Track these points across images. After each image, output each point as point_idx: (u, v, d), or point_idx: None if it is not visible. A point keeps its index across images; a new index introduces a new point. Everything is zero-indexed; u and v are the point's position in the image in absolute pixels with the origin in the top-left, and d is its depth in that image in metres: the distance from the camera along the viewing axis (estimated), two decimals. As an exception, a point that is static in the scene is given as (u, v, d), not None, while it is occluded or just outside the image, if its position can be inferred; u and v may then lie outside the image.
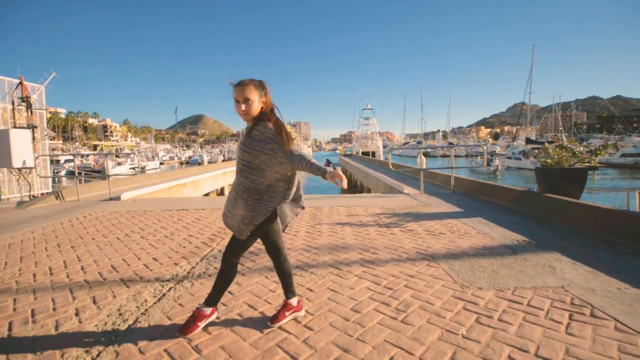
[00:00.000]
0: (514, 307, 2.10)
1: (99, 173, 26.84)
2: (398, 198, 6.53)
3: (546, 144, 5.59)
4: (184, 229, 4.38)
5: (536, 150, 38.65)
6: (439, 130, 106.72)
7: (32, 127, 7.53)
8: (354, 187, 21.78)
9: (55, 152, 43.69)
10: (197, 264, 3.02)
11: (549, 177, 5.05)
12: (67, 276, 2.82)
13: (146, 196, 8.01)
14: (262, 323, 1.96)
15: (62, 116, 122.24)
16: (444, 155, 62.59)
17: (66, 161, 38.50)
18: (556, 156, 5.12)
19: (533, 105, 53.72)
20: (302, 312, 2.04)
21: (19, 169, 7.24)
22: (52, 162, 37.19)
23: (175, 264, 3.02)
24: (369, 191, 14.51)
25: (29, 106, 7.50)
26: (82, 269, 2.98)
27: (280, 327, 1.91)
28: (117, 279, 2.70)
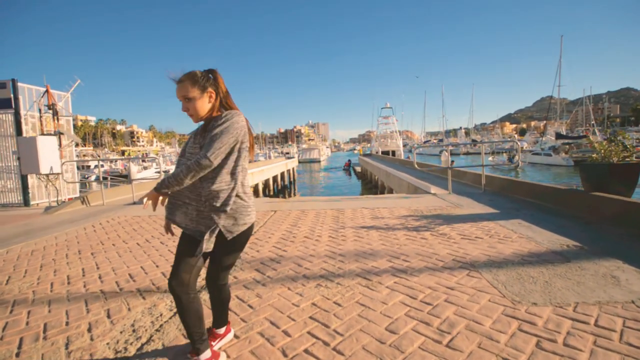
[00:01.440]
0: (580, 327, 1.78)
1: (126, 177, 27.81)
2: (425, 199, 6.18)
3: (590, 137, 5.09)
4: (203, 234, 4.26)
5: (567, 146, 36.80)
6: (461, 128, 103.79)
7: (58, 133, 7.71)
8: (375, 187, 21.34)
9: (84, 158, 45.65)
10: (216, 272, 2.85)
11: (596, 173, 4.57)
12: (84, 286, 2.72)
13: (168, 200, 8.03)
14: (285, 344, 1.74)
15: (92, 124, 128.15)
16: (467, 153, 60.67)
17: (96, 166, 40.13)
18: (603, 150, 4.64)
19: (562, 99, 51.11)
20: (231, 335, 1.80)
21: (47, 175, 7.41)
22: (82, 167, 38.95)
23: (194, 272, 2.87)
24: (391, 191, 14.10)
25: (55, 113, 7.68)
26: (100, 277, 2.88)
27: (305, 350, 1.68)
28: (133, 289, 2.57)
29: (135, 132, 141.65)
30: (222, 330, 1.75)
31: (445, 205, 5.42)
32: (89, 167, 40.10)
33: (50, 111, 7.63)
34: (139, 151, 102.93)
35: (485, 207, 5.09)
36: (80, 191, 9.62)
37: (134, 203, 7.17)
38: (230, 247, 1.57)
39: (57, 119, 7.80)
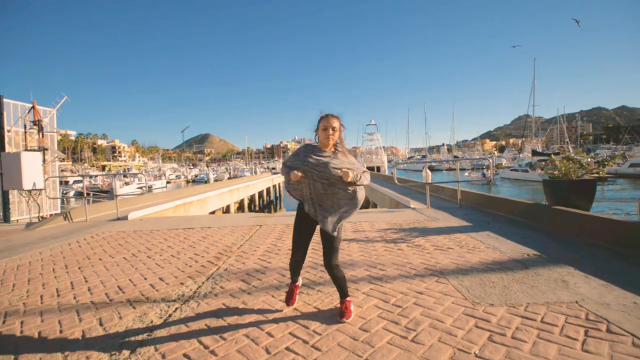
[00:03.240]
0: (527, 323, 2.04)
1: (107, 193, 27.14)
2: (404, 213, 6.48)
3: (552, 156, 5.55)
4: (190, 247, 4.38)
5: (543, 162, 38.42)
6: (443, 144, 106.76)
7: (43, 149, 7.70)
8: (360, 203, 21.72)
9: (64, 173, 44.44)
10: (203, 283, 3.00)
11: (557, 189, 4.99)
12: (74, 297, 2.82)
13: (153, 215, 8.06)
14: (269, 343, 1.93)
15: (72, 138, 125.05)
16: (450, 169, 62.33)
17: (75, 182, 39.06)
18: (563, 168, 5.08)
19: (537, 117, 53.64)
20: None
21: (29, 191, 7.36)
22: (61, 183, 37.85)
23: (182, 283, 3.01)
24: (374, 206, 14.43)
25: (40, 129, 7.70)
26: (89, 290, 2.98)
27: (287, 348, 1.87)
28: (123, 300, 2.69)
29: (117, 147, 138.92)
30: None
31: (423, 218, 5.73)
32: (67, 182, 39.03)
33: (36, 127, 7.64)
34: (120, 166, 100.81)
35: (459, 221, 5.42)
36: (61, 207, 9.50)
37: (118, 219, 7.18)
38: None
39: (42, 135, 7.80)
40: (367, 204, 18.65)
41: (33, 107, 7.58)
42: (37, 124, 7.59)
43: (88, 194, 8.09)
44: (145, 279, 3.20)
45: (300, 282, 2.53)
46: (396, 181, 7.55)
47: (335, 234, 2.18)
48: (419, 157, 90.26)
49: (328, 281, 2.88)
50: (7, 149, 7.59)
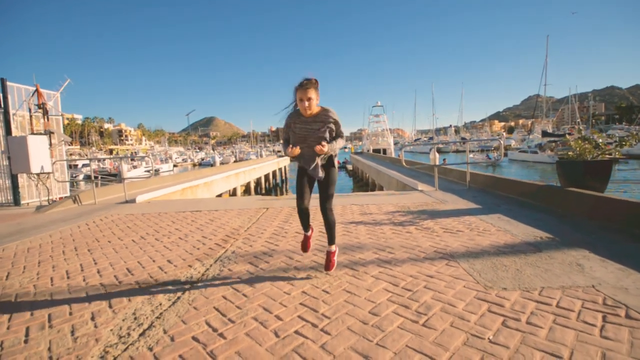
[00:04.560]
0: (543, 308, 1.99)
1: (115, 177, 27.33)
2: (412, 195, 6.40)
3: (567, 136, 5.36)
4: (197, 230, 4.38)
5: (553, 144, 37.65)
6: (450, 126, 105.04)
7: (49, 133, 7.70)
8: (366, 185, 21.62)
9: (73, 157, 44.88)
10: (210, 265, 2.99)
11: (571, 170, 4.84)
12: (84, 279, 2.83)
13: (160, 198, 8.10)
14: (277, 327, 1.91)
15: (79, 122, 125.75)
16: (457, 151, 61.56)
17: (84, 165, 39.45)
18: (578, 148, 4.91)
19: (548, 97, 52.17)
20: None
21: (37, 174, 7.41)
22: (70, 166, 38.31)
23: (190, 266, 3.00)
24: (381, 189, 14.35)
25: (45, 113, 7.67)
26: (99, 272, 2.99)
27: (296, 332, 1.85)
28: (132, 282, 2.70)
29: (123, 131, 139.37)
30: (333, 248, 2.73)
31: (431, 201, 5.65)
32: (76, 166, 39.42)
33: (41, 110, 7.61)
34: (127, 150, 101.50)
35: (469, 203, 5.33)
36: (71, 190, 9.59)
37: (126, 202, 7.22)
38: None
39: (47, 118, 7.77)
40: (373, 186, 18.57)
41: (37, 90, 7.52)
42: (42, 107, 7.54)
43: (96, 177, 8.14)
44: (153, 261, 3.21)
45: (311, 231, 2.87)
46: (404, 164, 7.42)
47: (321, 175, 2.57)
48: (425, 138, 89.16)
49: (337, 263, 2.85)
50: (14, 133, 7.60)
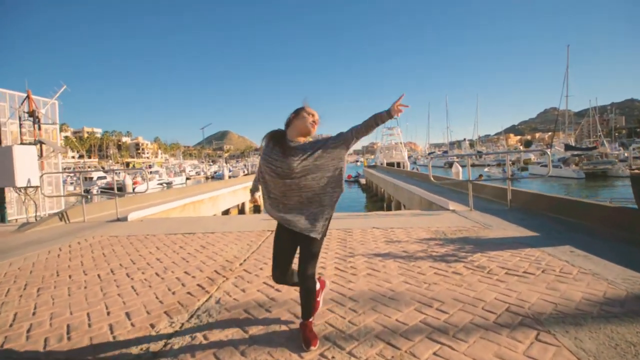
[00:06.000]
0: None
1: (133, 191, 26.68)
2: (444, 217, 5.40)
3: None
4: (182, 261, 3.51)
5: (577, 157, 35.76)
6: (464, 139, 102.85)
7: (38, 142, 7.08)
8: (381, 200, 20.52)
9: (87, 169, 45.32)
10: (181, 325, 2.09)
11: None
12: (4, 341, 1.98)
13: (156, 216, 7.31)
14: None
15: (98, 135, 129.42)
16: (473, 165, 59.37)
17: (99, 178, 39.59)
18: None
19: (564, 111, 50.03)
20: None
21: (24, 188, 6.75)
22: (85, 179, 38.50)
23: (152, 325, 2.11)
24: (399, 205, 13.29)
25: (36, 121, 7.07)
26: (28, 330, 2.13)
27: None
28: (61, 353, 1.82)
29: (140, 144, 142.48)
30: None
31: (470, 225, 4.64)
32: (91, 178, 39.54)
33: (31, 119, 7.02)
34: (143, 163, 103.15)
35: (520, 229, 4.30)
36: (65, 206, 8.96)
37: (117, 219, 6.46)
38: None
39: (39, 127, 7.18)
40: (389, 202, 17.48)
41: (28, 97, 6.95)
42: (32, 114, 6.95)
43: (86, 192, 7.47)
44: (108, 313, 2.32)
45: (319, 284, 2.07)
46: (432, 178, 6.44)
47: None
48: (439, 152, 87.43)
49: (363, 332, 1.91)
50: (4, 143, 7.00)
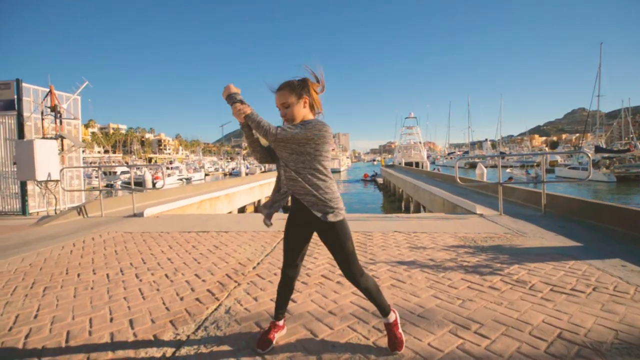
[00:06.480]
0: None
1: (154, 186, 27.08)
2: (471, 221, 5.04)
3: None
4: (193, 262, 3.34)
5: (608, 160, 33.90)
6: (486, 139, 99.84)
7: (59, 137, 7.15)
8: (399, 200, 20.03)
9: (112, 164, 46.70)
10: (187, 337, 1.89)
11: None
12: (0, 344, 1.84)
13: (172, 212, 7.26)
14: None
15: (123, 132, 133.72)
16: (493, 166, 57.39)
17: (122, 173, 40.75)
18: None
19: (594, 111, 47.49)
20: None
21: (45, 182, 6.82)
22: (108, 173, 39.71)
23: (154, 337, 1.92)
24: (418, 206, 12.86)
25: (57, 116, 7.14)
26: (27, 336, 1.99)
27: None
28: (55, 368, 1.66)
29: (162, 140, 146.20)
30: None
31: (502, 232, 4.27)
32: (115, 172, 40.73)
33: (53, 113, 7.09)
34: (164, 158, 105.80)
35: (559, 237, 3.91)
36: (86, 199, 9.09)
37: (134, 215, 6.43)
38: None
39: (60, 122, 7.25)
40: (407, 203, 17.00)
41: (50, 92, 7.02)
42: (54, 109, 7.01)
43: (110, 186, 7.50)
44: (111, 320, 2.16)
45: (282, 322, 1.86)
46: (458, 180, 6.05)
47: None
48: (459, 152, 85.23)
49: (392, 358, 1.65)
50: (27, 137, 7.11)
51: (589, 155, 5.46)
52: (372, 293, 1.70)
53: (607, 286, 2.45)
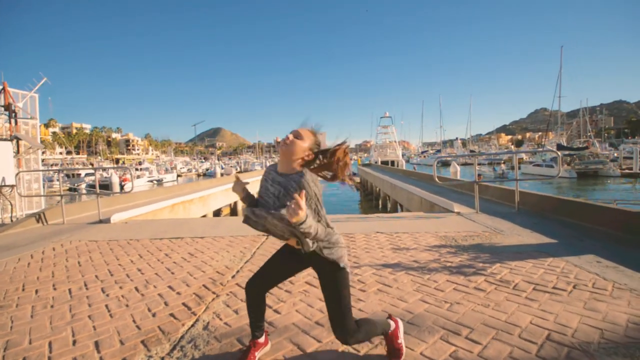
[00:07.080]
0: None
1: (122, 189, 25.72)
2: (450, 220, 5.10)
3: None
4: (166, 273, 3.13)
5: (569, 157, 36.03)
6: (457, 138, 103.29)
7: (14, 138, 6.58)
8: (376, 199, 20.23)
9: (76, 166, 44.13)
10: (161, 359, 1.73)
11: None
12: None
13: (142, 217, 6.87)
14: None
15: (87, 131, 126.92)
16: (465, 164, 59.47)
17: (87, 175, 38.57)
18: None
19: (556, 111, 50.43)
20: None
21: (-2, 188, 6.26)
22: (72, 175, 37.48)
23: (124, 359, 1.74)
24: (396, 205, 13.03)
25: (12, 115, 6.57)
26: (-28, 367, 1.74)
27: None
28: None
29: (130, 140, 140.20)
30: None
31: (481, 230, 4.34)
32: (79, 175, 38.49)
33: (7, 112, 6.51)
34: (133, 159, 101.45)
35: (535, 234, 4.01)
36: (46, 205, 8.45)
37: (100, 221, 6.01)
38: None
39: (15, 122, 6.67)
40: (384, 201, 17.20)
41: (3, 89, 6.44)
42: (8, 108, 6.45)
43: (74, 190, 7.00)
44: (74, 343, 1.95)
45: (264, 339, 1.71)
46: (437, 179, 6.12)
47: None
48: (432, 151, 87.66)
49: (384, 371, 1.57)
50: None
51: (558, 153, 5.68)
52: (368, 338, 1.60)
53: (586, 283, 2.51)
